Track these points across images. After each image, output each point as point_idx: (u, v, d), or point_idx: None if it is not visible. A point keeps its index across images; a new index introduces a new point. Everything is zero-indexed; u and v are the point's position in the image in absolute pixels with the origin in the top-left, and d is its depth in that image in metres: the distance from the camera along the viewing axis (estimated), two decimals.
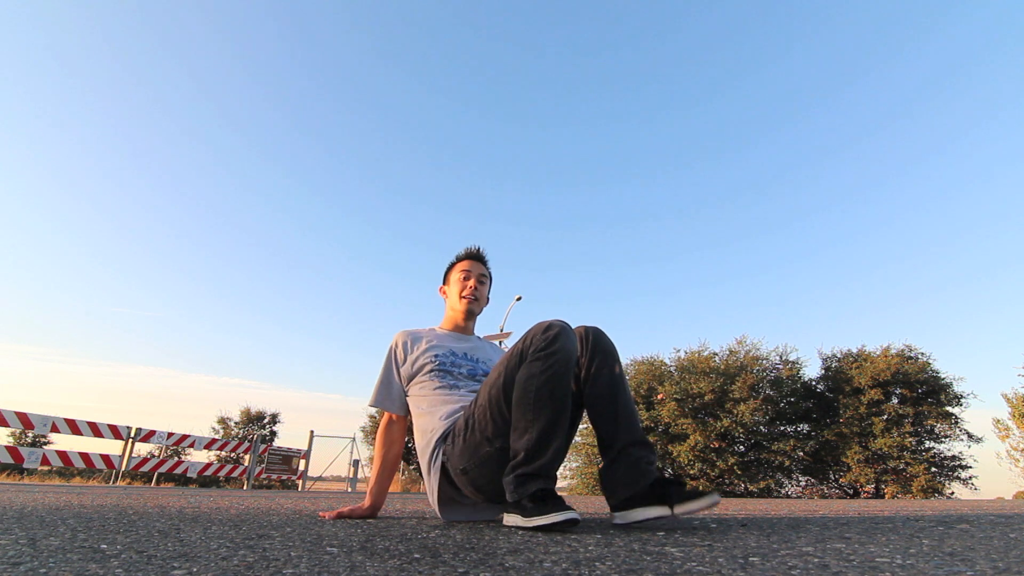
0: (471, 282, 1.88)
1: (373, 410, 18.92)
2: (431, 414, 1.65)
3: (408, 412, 1.76)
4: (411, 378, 1.73)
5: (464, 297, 1.86)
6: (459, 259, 1.95)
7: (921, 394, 12.61)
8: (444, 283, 1.99)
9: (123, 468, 6.92)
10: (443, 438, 1.58)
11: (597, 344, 1.49)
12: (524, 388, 1.35)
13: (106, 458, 6.66)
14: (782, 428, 13.33)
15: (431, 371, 1.70)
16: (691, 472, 12.24)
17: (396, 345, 1.80)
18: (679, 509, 1.23)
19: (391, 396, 1.74)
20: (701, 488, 1.29)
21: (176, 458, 11.62)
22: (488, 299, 1.98)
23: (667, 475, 1.49)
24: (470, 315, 1.89)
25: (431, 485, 1.60)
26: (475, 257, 1.96)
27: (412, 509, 2.05)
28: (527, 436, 1.32)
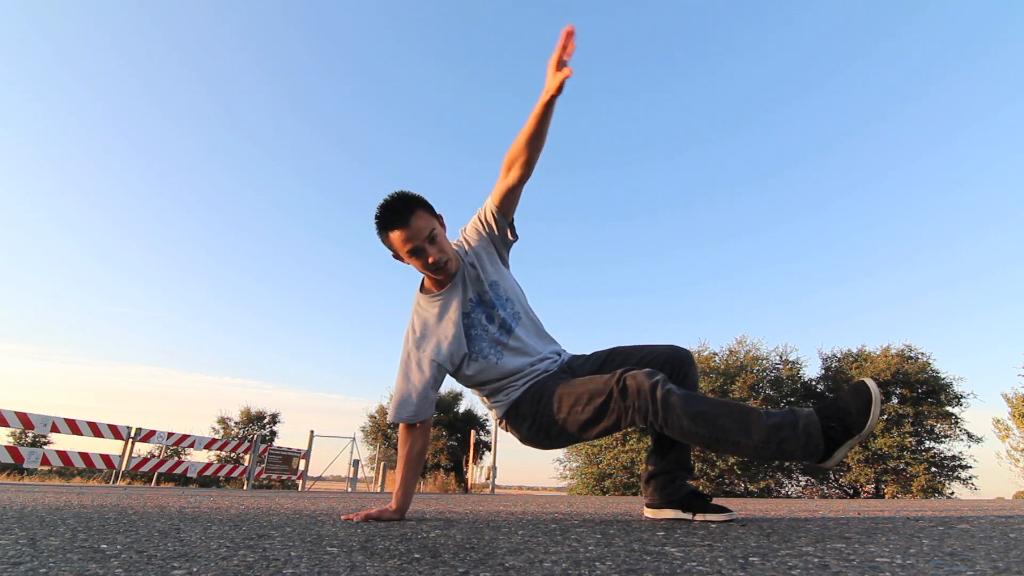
0: (425, 258, 1.51)
1: (373, 410, 18.91)
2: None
3: (431, 412, 1.64)
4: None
5: (431, 272, 1.57)
6: (383, 233, 1.53)
7: (921, 394, 12.61)
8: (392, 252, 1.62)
9: (123, 468, 6.91)
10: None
11: (690, 370, 1.61)
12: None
13: (106, 458, 6.65)
14: None
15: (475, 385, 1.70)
16: None
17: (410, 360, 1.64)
18: (699, 517, 1.48)
19: (415, 406, 1.62)
20: (713, 499, 1.54)
21: (176, 458, 11.60)
22: (448, 242, 1.59)
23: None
24: (449, 276, 1.62)
25: None
26: (399, 223, 1.47)
27: (412, 509, 2.04)
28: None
